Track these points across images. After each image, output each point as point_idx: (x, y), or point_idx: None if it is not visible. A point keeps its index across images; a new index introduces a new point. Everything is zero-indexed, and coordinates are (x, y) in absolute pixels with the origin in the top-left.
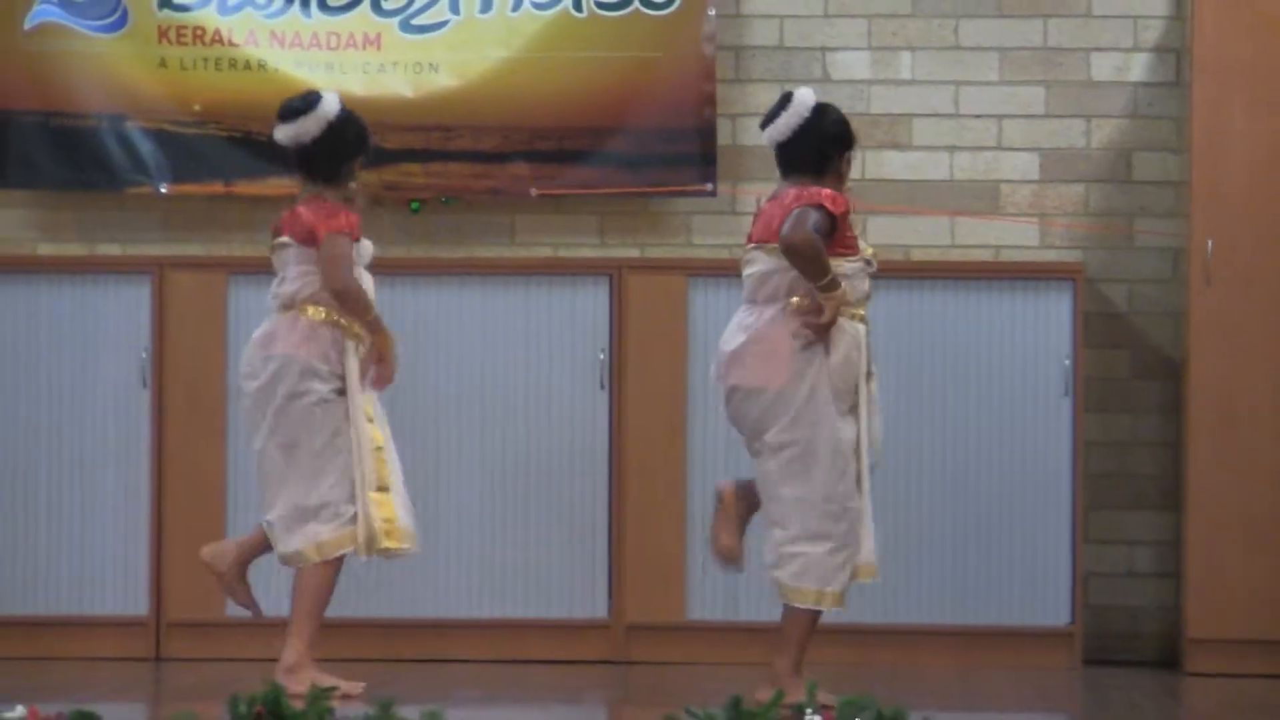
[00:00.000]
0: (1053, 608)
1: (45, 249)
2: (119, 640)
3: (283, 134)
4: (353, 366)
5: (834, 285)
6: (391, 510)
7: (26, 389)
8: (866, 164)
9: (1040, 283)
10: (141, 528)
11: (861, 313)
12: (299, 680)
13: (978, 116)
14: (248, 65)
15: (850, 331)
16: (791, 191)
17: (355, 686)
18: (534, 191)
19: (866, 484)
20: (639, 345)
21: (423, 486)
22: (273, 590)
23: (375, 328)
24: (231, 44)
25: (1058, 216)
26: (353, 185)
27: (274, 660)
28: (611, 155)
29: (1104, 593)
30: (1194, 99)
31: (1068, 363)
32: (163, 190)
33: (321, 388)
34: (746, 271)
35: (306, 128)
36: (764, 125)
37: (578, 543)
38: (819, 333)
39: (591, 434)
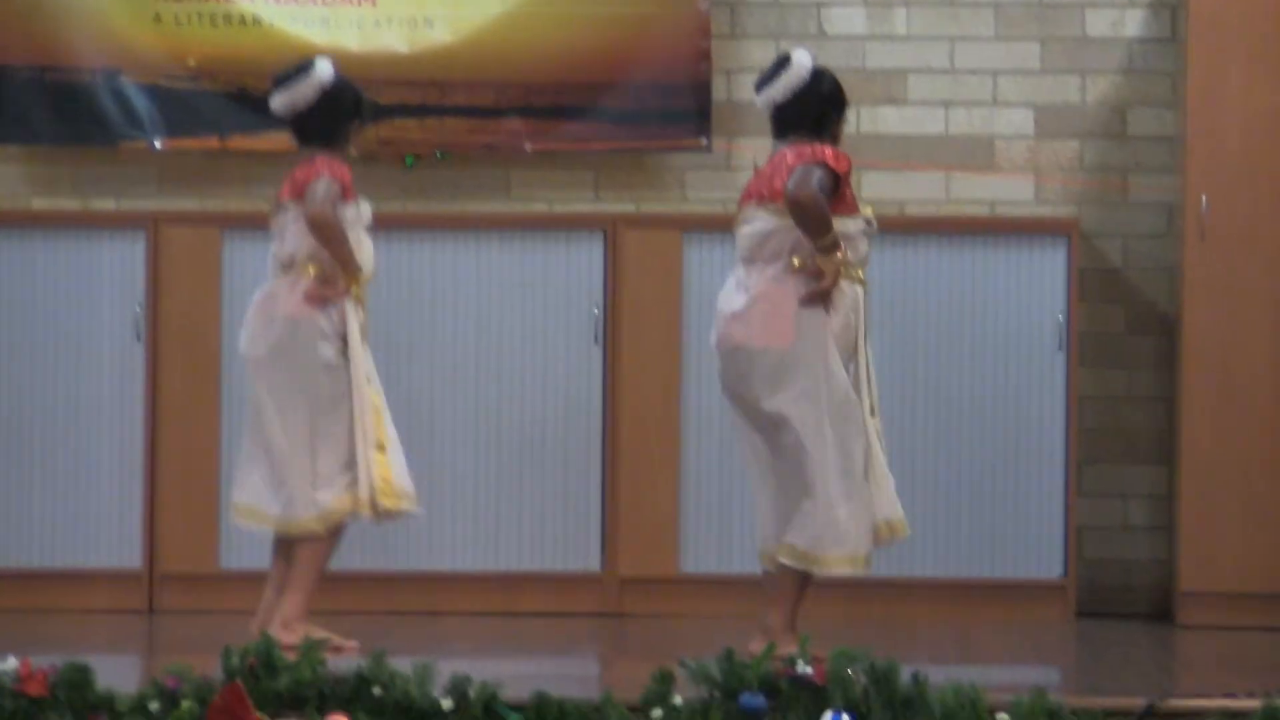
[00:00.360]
0: (1046, 561)
1: (39, 204)
2: (112, 593)
3: (278, 101)
4: (354, 327)
5: (834, 245)
6: (388, 470)
7: (21, 344)
8: (861, 120)
9: (1035, 238)
10: (135, 481)
11: (860, 274)
12: (294, 633)
13: (973, 72)
14: (243, 20)
15: (850, 294)
16: (791, 152)
17: (349, 643)
18: (529, 147)
19: (879, 443)
20: (633, 300)
21: (418, 441)
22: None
23: (346, 265)
24: None
25: (1053, 172)
26: (350, 150)
27: None
28: (607, 111)
29: (1098, 546)
30: (1189, 54)
31: (1062, 318)
32: (157, 145)
33: (326, 349)
34: (744, 230)
35: (301, 94)
36: (759, 87)
37: (572, 496)
38: (821, 298)
39: (586, 389)
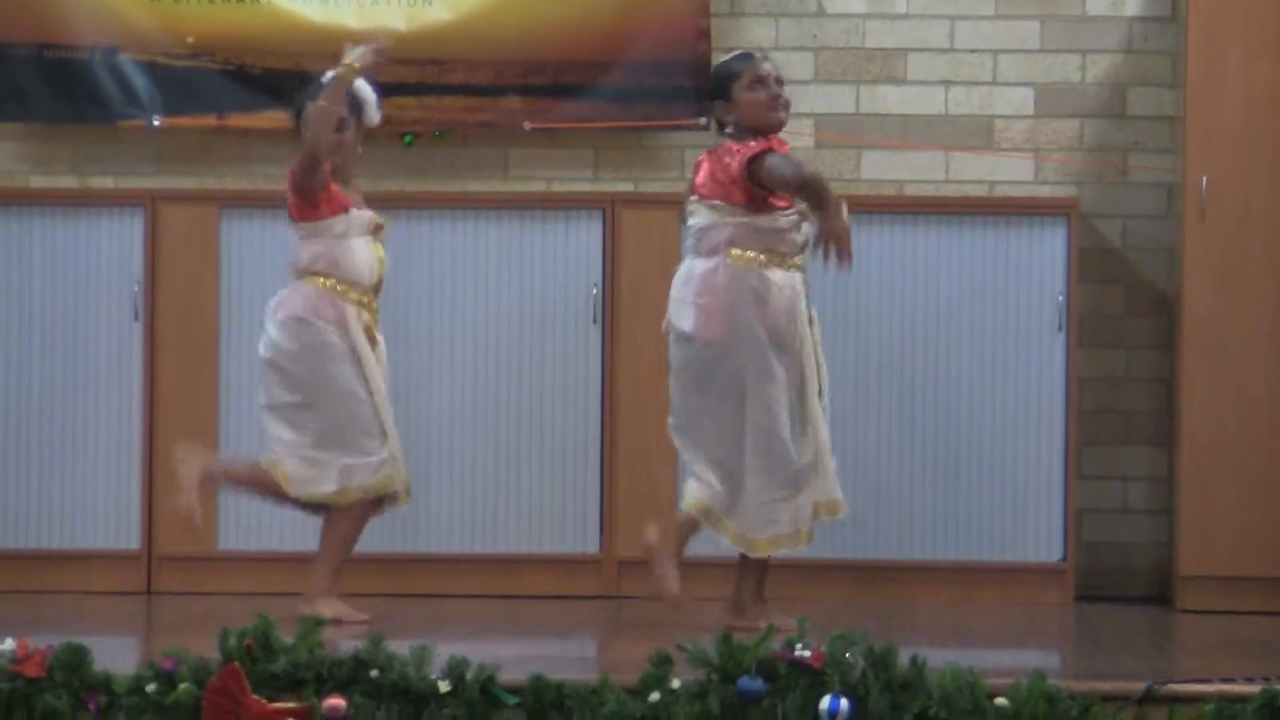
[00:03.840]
0: (1045, 544)
1: (37, 181)
2: (110, 574)
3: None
4: (357, 330)
5: (835, 207)
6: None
7: (18, 323)
8: (861, 98)
9: (1034, 218)
10: (133, 461)
11: (799, 261)
12: (317, 609)
13: (973, 51)
14: None
15: (787, 282)
16: (732, 144)
17: (360, 616)
18: (527, 125)
19: (823, 425)
20: (632, 280)
21: (415, 422)
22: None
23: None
24: None
25: (1052, 152)
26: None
27: (264, 594)
28: (605, 89)
29: (1097, 529)
30: (1189, 34)
31: (1061, 298)
32: (155, 123)
33: (331, 341)
34: (689, 222)
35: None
36: None
37: (570, 478)
38: (841, 243)
39: (584, 369)
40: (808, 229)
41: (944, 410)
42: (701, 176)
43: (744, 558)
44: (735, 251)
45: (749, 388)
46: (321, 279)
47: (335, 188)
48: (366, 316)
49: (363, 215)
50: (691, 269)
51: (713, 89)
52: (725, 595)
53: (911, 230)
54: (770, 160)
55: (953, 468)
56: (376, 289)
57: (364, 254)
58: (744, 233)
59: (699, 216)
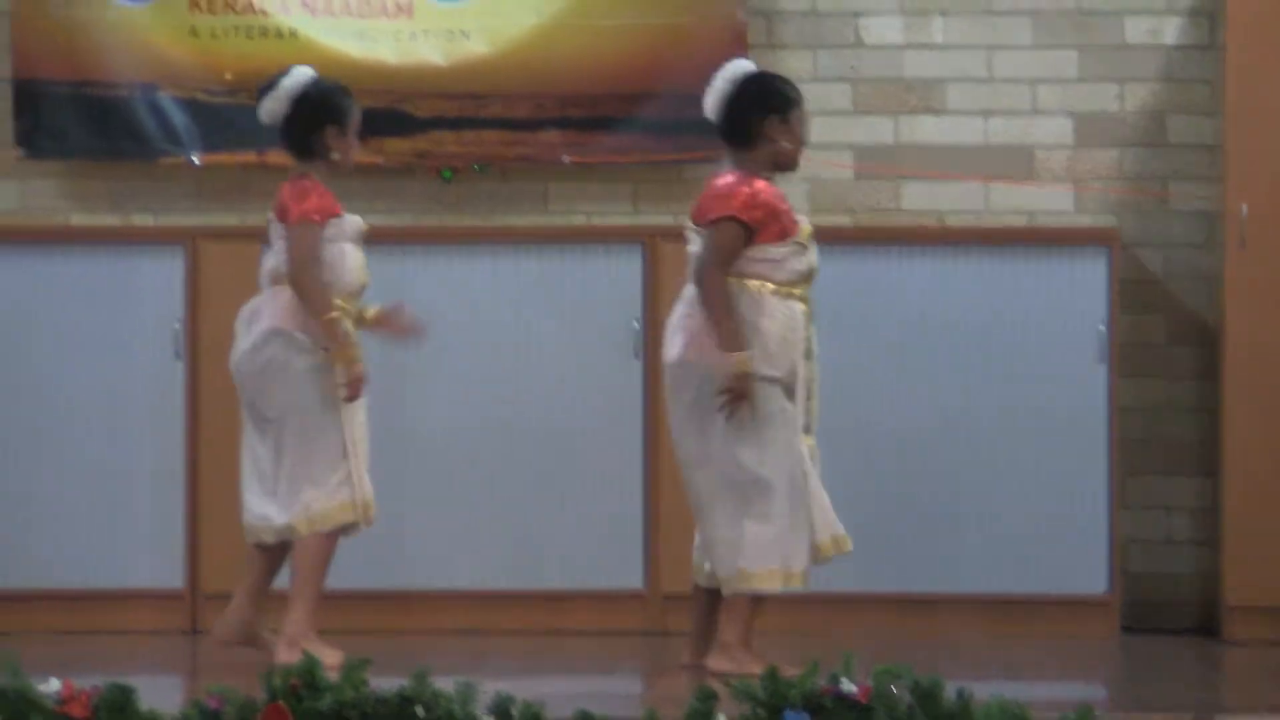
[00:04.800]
0: (1089, 575)
1: (78, 219)
2: (154, 613)
3: (262, 113)
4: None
5: (733, 342)
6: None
7: (59, 360)
8: (900, 129)
9: (1075, 248)
10: (176, 500)
11: (799, 292)
12: (297, 653)
13: (1011, 81)
14: (279, 34)
15: (785, 312)
16: (724, 180)
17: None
18: (566, 159)
19: (811, 463)
20: (672, 313)
21: (456, 456)
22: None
23: (331, 331)
24: (262, 13)
25: (1092, 181)
26: (334, 156)
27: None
28: (644, 122)
29: (1141, 560)
30: (1228, 62)
31: (1103, 328)
32: (195, 160)
33: (305, 359)
34: (689, 248)
35: (276, 105)
36: (706, 102)
37: (612, 512)
38: (733, 404)
39: (625, 403)
40: (813, 257)
41: (986, 441)
42: (696, 205)
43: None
44: (729, 279)
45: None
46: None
47: (329, 192)
48: (348, 323)
49: (353, 220)
50: (686, 294)
51: (775, 101)
52: (771, 629)
53: (952, 261)
54: (715, 233)
55: (995, 498)
56: (359, 295)
57: (355, 256)
58: (739, 261)
59: (693, 244)
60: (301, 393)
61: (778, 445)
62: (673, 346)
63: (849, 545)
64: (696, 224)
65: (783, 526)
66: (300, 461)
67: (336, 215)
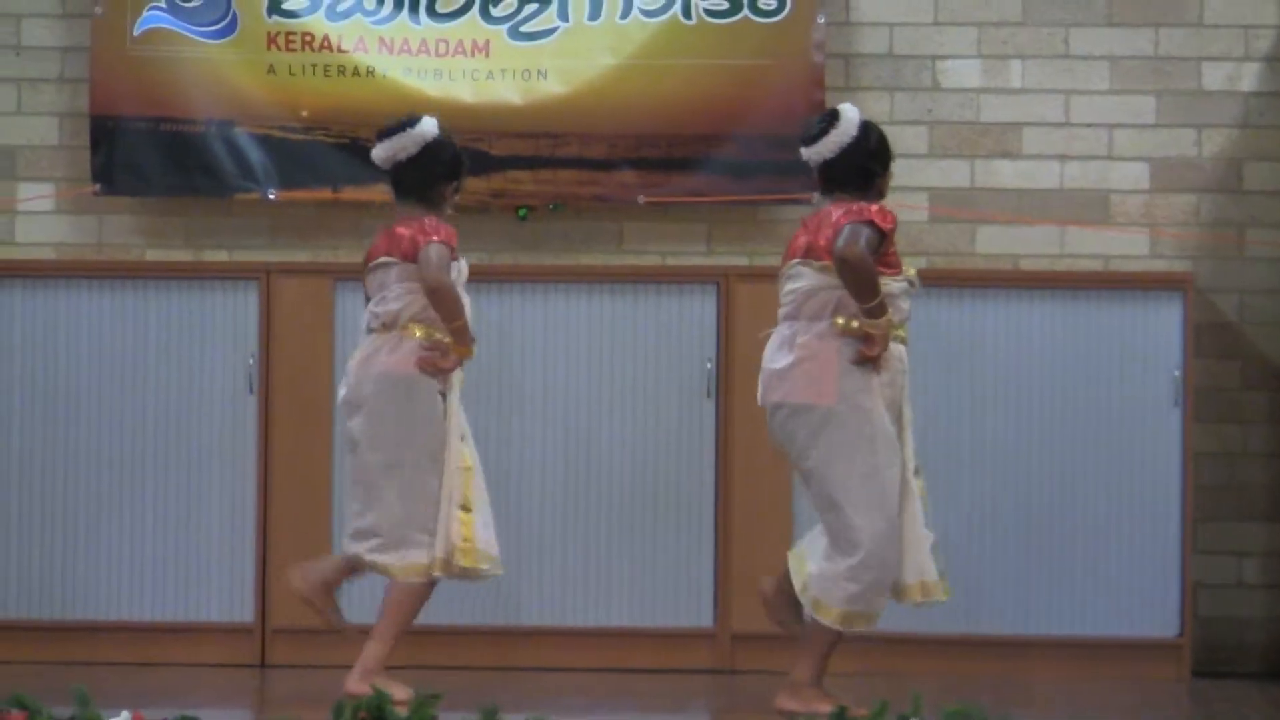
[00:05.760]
0: (1161, 619)
1: (153, 254)
2: (224, 646)
3: (379, 153)
4: (455, 386)
5: (881, 310)
6: (471, 530)
7: (134, 395)
8: (976, 173)
9: (1150, 293)
10: (248, 534)
11: (902, 334)
12: (366, 687)
13: (1088, 125)
14: (356, 71)
15: (895, 353)
16: (837, 209)
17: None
18: (641, 199)
19: (917, 504)
20: (746, 353)
21: (528, 494)
22: (358, 596)
23: (460, 335)
24: (340, 50)
25: (1168, 226)
26: (449, 211)
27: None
28: (719, 163)
29: (1213, 604)
30: None
31: (1177, 373)
32: (270, 196)
33: (424, 407)
34: (788, 287)
35: (403, 145)
36: (806, 142)
37: (684, 551)
38: (873, 363)
39: (698, 442)
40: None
41: (1060, 484)
42: (804, 241)
43: (811, 628)
44: (841, 320)
45: (849, 451)
46: (426, 328)
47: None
48: (461, 373)
49: (464, 265)
50: (787, 335)
51: (883, 155)
52: (842, 669)
53: (1027, 305)
54: (863, 228)
55: (1068, 542)
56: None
57: (465, 302)
58: (850, 299)
59: (804, 279)
60: (414, 441)
61: (891, 488)
62: (782, 390)
63: (939, 594)
64: (805, 257)
65: (858, 562)
66: (405, 510)
67: (455, 259)
